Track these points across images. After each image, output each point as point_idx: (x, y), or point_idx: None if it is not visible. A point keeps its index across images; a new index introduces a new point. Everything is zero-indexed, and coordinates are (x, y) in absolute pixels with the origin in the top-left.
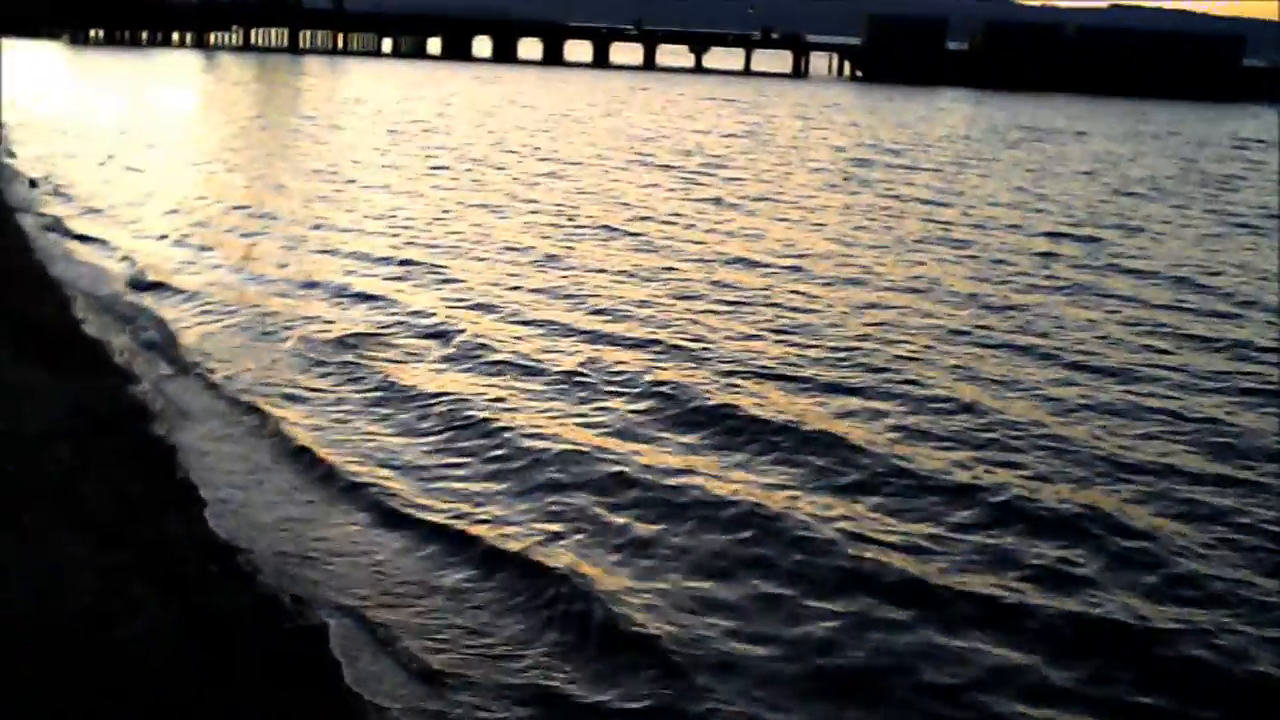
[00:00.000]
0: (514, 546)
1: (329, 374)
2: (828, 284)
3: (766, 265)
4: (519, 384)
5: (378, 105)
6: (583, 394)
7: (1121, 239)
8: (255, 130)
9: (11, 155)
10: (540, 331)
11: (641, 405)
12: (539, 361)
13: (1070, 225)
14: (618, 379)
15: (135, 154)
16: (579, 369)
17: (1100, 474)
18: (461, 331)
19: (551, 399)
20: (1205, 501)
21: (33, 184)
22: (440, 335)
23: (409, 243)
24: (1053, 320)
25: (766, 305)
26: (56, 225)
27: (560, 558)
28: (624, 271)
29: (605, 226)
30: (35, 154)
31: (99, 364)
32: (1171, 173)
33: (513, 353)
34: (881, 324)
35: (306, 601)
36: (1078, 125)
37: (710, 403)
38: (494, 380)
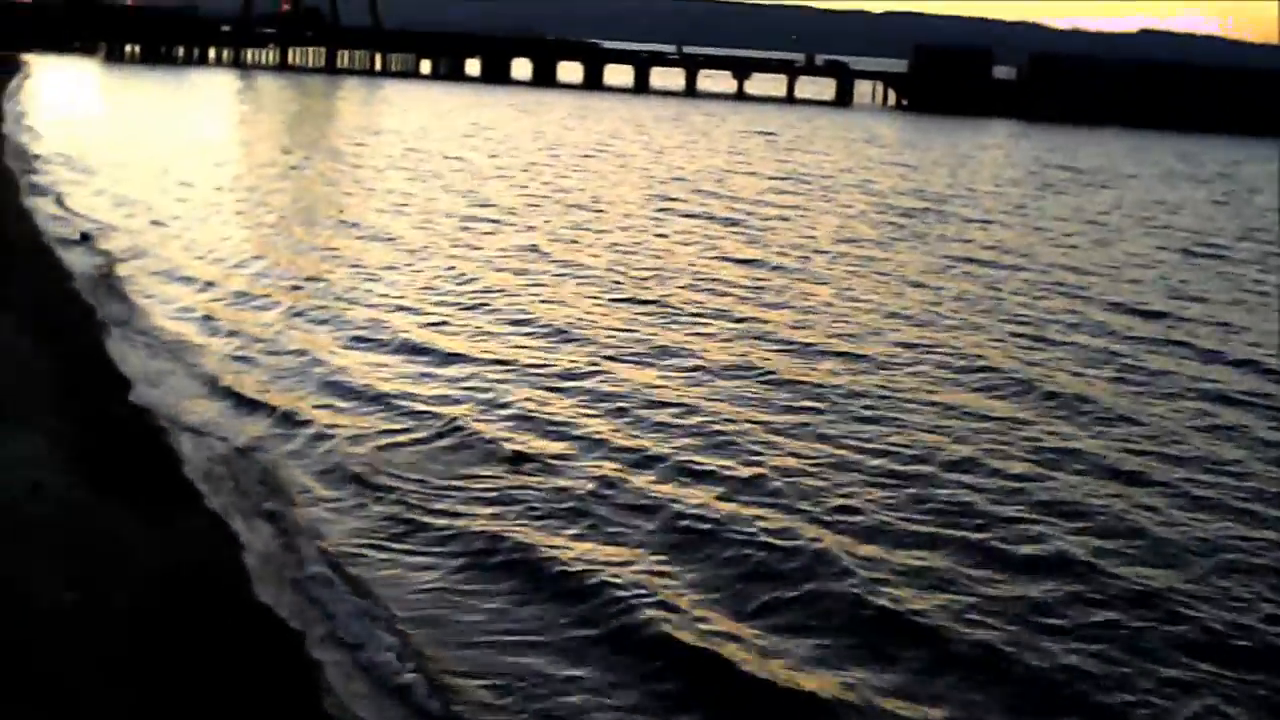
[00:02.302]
0: None
1: None
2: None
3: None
4: None
5: (407, 140)
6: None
7: (1181, 312)
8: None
9: (60, 203)
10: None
11: None
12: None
13: (1135, 297)
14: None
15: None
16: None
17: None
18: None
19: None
20: None
21: (84, 237)
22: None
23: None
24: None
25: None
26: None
27: None
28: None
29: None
30: (69, 192)
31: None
32: (1226, 225)
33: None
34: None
35: None
36: (1126, 165)
37: None
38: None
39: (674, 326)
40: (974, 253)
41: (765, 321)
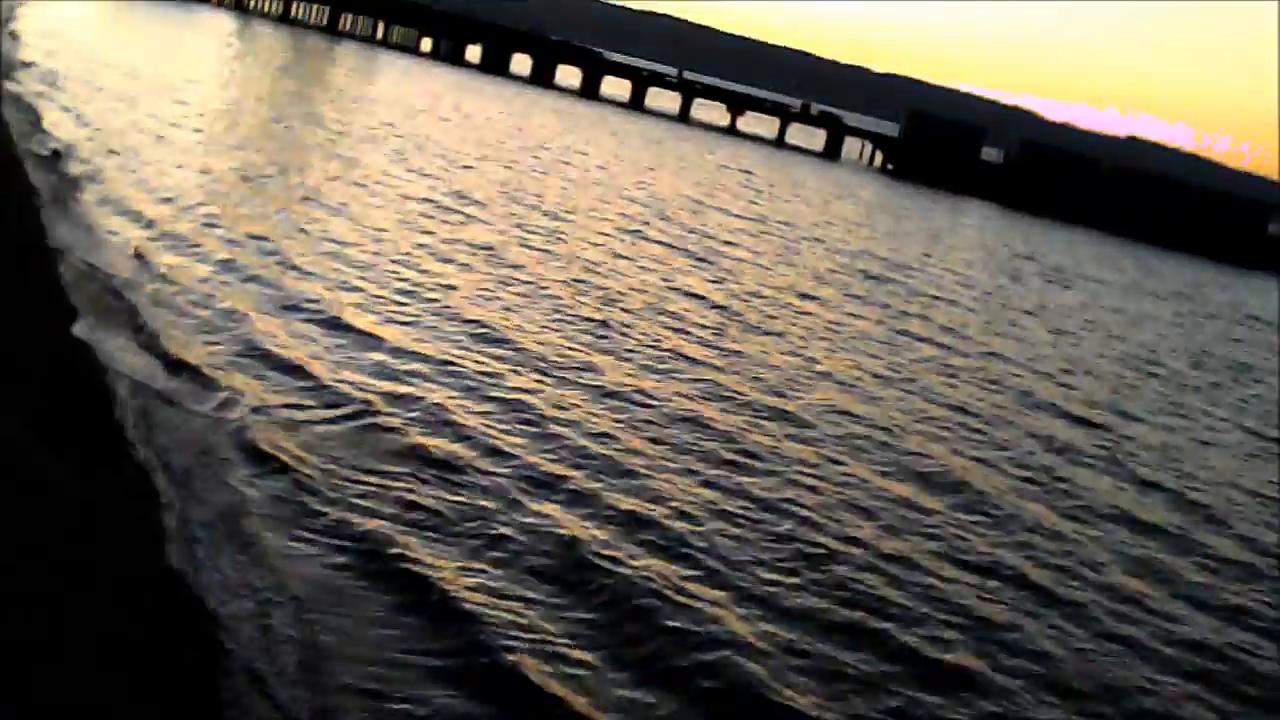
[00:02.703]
0: None
1: None
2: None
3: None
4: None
5: (394, 116)
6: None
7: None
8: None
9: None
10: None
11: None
12: None
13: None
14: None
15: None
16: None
17: None
18: None
19: None
20: None
21: (55, 155)
22: None
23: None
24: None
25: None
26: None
27: None
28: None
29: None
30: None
31: None
32: (1180, 346)
33: None
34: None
35: None
36: (1093, 269)
37: None
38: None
39: (613, 351)
40: (930, 331)
41: (704, 364)
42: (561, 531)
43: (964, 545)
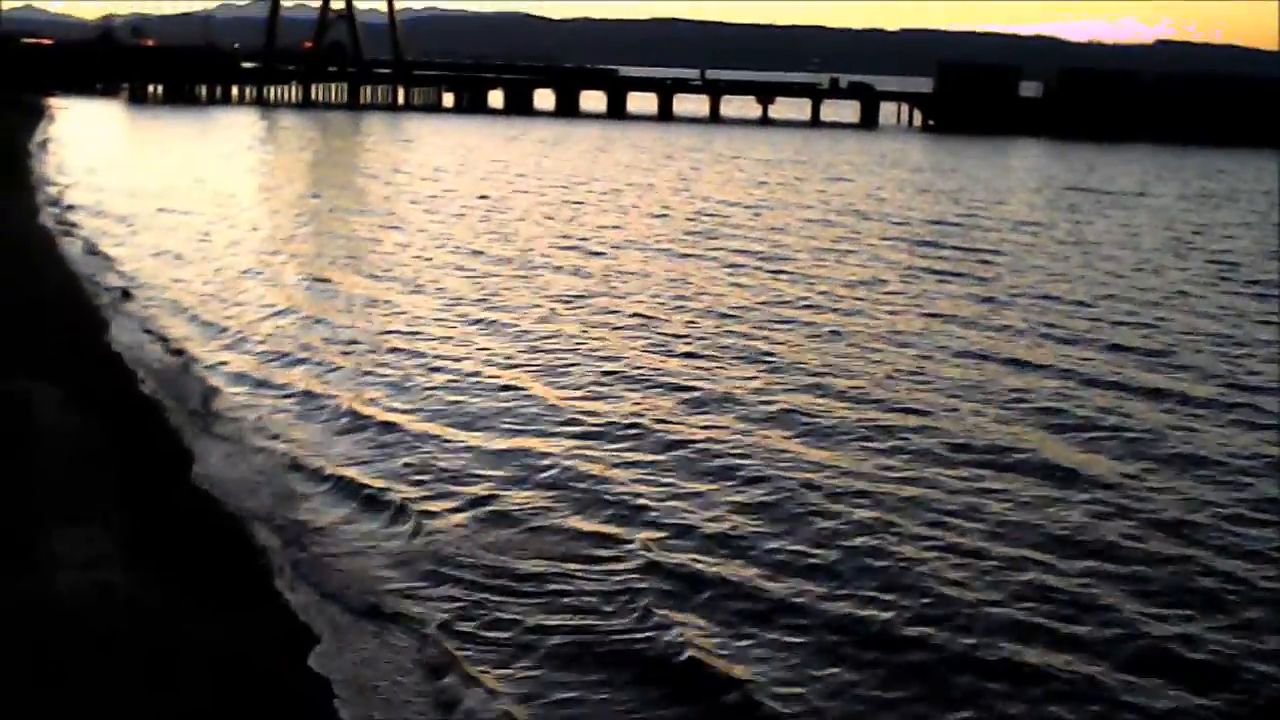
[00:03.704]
0: None
1: None
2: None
3: None
4: None
5: (437, 179)
6: None
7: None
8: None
9: (97, 253)
10: None
11: None
12: None
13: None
14: None
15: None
16: None
17: None
18: None
19: None
20: None
21: (125, 295)
22: None
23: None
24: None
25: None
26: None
27: None
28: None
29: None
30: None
31: None
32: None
33: None
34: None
35: None
36: (1152, 184)
37: None
38: None
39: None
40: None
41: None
42: None
43: None
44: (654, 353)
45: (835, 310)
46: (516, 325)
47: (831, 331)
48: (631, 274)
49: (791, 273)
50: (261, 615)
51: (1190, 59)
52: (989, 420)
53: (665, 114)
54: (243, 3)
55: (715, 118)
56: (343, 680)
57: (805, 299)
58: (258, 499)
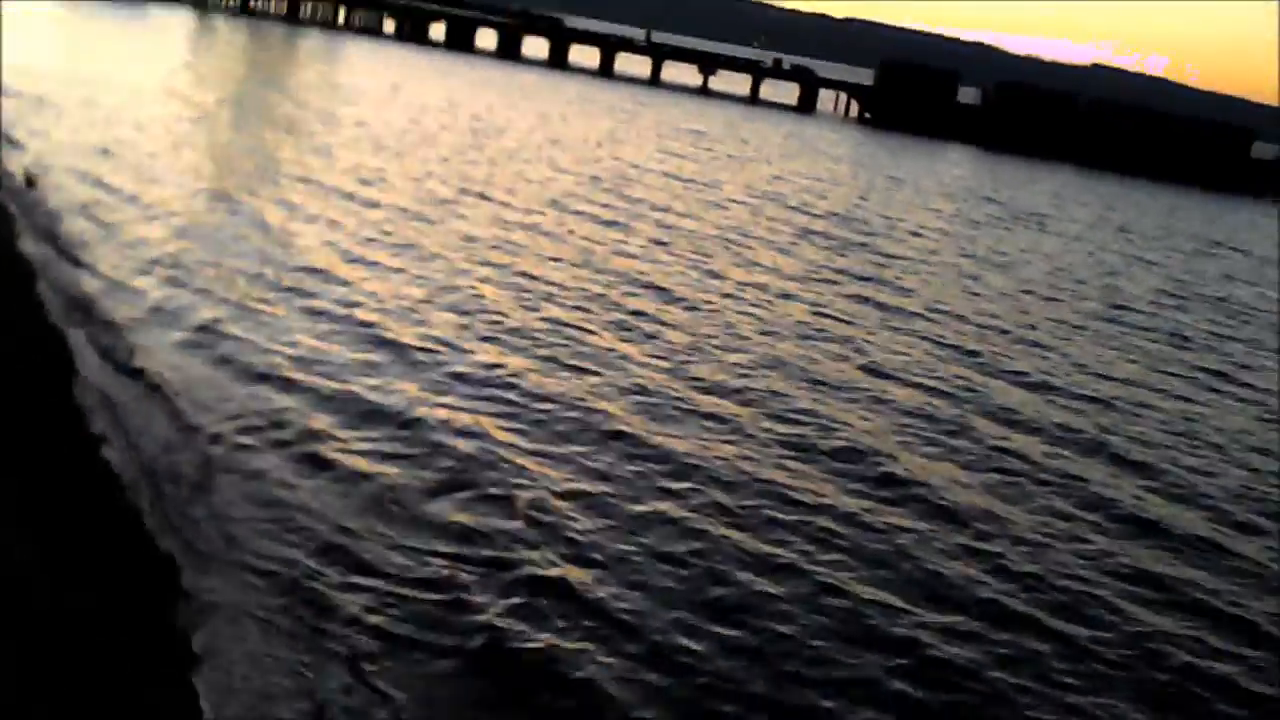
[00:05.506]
0: None
1: None
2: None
3: None
4: None
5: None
6: None
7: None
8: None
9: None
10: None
11: None
12: None
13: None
14: None
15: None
16: None
17: None
18: None
19: None
20: None
21: (30, 182)
22: None
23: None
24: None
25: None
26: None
27: None
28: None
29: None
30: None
31: None
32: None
33: None
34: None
35: None
36: (1068, 207)
37: None
38: None
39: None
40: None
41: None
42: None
43: None
44: (525, 308)
45: (704, 290)
46: (394, 265)
47: (696, 308)
48: (523, 226)
49: (679, 247)
50: None
51: (1124, 87)
52: (831, 408)
53: (607, 70)
54: None
55: (656, 81)
56: None
57: (684, 276)
58: None
